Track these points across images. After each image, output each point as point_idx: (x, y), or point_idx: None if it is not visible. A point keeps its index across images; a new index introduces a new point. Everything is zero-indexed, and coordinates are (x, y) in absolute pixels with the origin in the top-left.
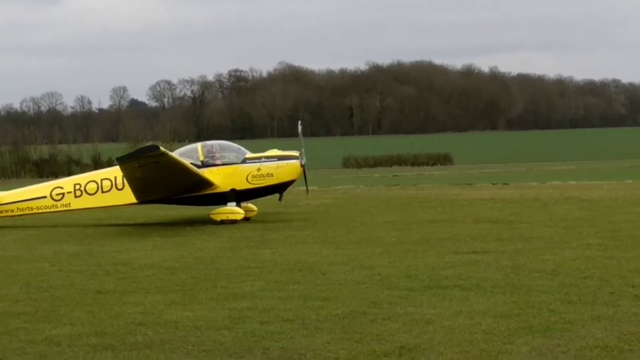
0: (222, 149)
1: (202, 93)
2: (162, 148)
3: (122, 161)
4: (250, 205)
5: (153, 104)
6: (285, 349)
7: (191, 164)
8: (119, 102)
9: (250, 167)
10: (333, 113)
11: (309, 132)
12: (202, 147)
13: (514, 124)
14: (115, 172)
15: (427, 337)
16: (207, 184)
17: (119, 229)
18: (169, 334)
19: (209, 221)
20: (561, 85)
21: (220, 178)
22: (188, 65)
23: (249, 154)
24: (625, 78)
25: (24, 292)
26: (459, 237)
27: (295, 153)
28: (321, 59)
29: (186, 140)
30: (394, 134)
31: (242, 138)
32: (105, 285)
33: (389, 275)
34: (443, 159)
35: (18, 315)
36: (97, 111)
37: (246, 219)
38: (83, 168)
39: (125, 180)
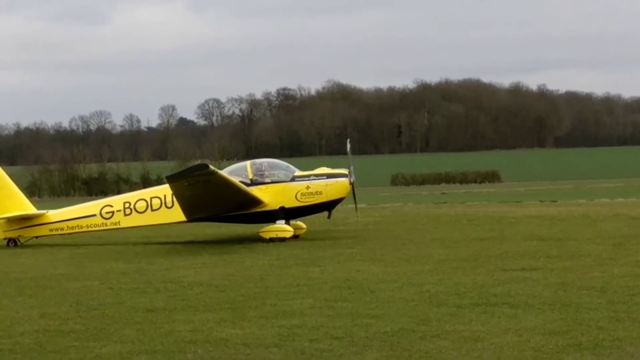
0: (271, 167)
1: (251, 111)
2: (211, 166)
3: (172, 180)
4: (299, 223)
5: (202, 122)
6: None
7: (240, 182)
8: (168, 121)
9: (300, 185)
10: (381, 131)
11: (357, 150)
12: (251, 165)
13: (562, 142)
14: (164, 190)
15: (476, 354)
16: (256, 202)
17: (168, 246)
18: (219, 351)
19: (258, 239)
20: (609, 103)
21: (269, 196)
22: (237, 84)
23: (298, 172)
24: None
25: (74, 310)
26: (508, 255)
27: (344, 171)
28: (369, 77)
29: (235, 159)
30: (442, 152)
31: (290, 156)
32: (155, 303)
33: (438, 293)
34: (491, 177)
35: (68, 333)
36: (145, 129)
37: (295, 237)
38: (132, 186)
39: (174, 199)
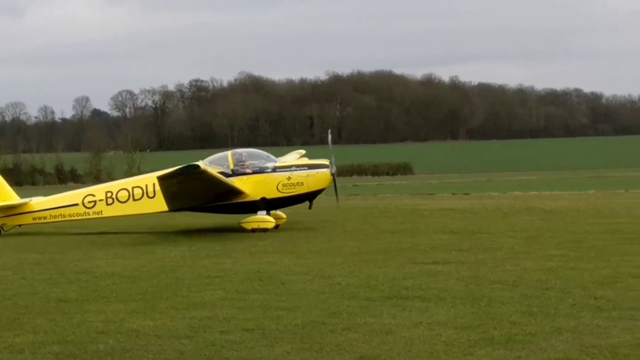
0: (253, 157)
1: (164, 103)
2: (202, 166)
3: (163, 179)
4: (279, 212)
5: (115, 113)
6: (245, 358)
7: (221, 172)
8: (82, 112)
9: (281, 176)
10: (293, 123)
11: (269, 142)
12: (232, 156)
13: (474, 134)
14: (146, 180)
15: (387, 347)
16: (238, 193)
17: (82, 237)
18: (130, 342)
19: (169, 230)
20: (522, 95)
21: (250, 187)
22: (149, 75)
23: (279, 163)
24: (587, 87)
25: None
26: (420, 248)
27: (325, 162)
28: (281, 69)
29: (147, 150)
30: (354, 144)
31: (202, 148)
32: (68, 294)
33: (349, 285)
34: (403, 169)
35: None
36: (60, 121)
37: (275, 227)
38: (46, 177)
39: (155, 188)
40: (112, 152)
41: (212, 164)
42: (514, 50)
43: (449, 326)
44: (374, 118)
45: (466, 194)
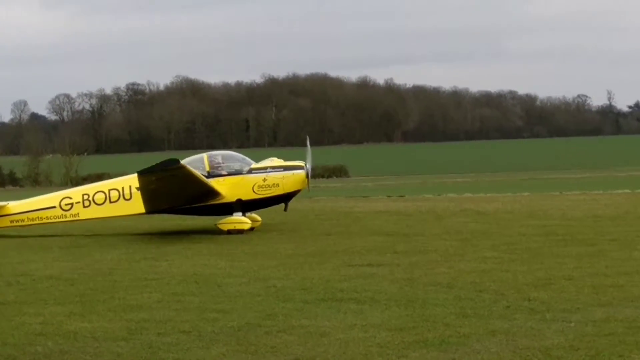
0: (228, 159)
1: (101, 106)
2: (181, 161)
3: (143, 174)
4: (254, 215)
5: (53, 117)
6: None
7: None
8: (20, 116)
9: (256, 178)
10: (229, 126)
11: (205, 145)
12: (208, 158)
13: (409, 136)
14: (122, 182)
15: (322, 349)
16: (215, 194)
17: (20, 240)
18: (68, 344)
19: (106, 233)
20: (457, 97)
21: (226, 188)
22: (87, 79)
23: (254, 165)
24: (522, 89)
25: None
26: (354, 250)
27: (301, 163)
28: (217, 72)
29: (85, 153)
30: (289, 146)
31: (140, 151)
32: (6, 296)
33: (284, 288)
34: (338, 171)
35: None
36: None
37: (251, 229)
38: None
39: (132, 191)
40: (50, 155)
41: (188, 166)
42: (449, 52)
43: (383, 328)
44: (310, 121)
45: (401, 196)
